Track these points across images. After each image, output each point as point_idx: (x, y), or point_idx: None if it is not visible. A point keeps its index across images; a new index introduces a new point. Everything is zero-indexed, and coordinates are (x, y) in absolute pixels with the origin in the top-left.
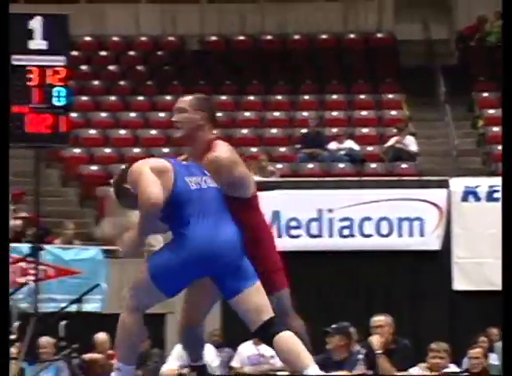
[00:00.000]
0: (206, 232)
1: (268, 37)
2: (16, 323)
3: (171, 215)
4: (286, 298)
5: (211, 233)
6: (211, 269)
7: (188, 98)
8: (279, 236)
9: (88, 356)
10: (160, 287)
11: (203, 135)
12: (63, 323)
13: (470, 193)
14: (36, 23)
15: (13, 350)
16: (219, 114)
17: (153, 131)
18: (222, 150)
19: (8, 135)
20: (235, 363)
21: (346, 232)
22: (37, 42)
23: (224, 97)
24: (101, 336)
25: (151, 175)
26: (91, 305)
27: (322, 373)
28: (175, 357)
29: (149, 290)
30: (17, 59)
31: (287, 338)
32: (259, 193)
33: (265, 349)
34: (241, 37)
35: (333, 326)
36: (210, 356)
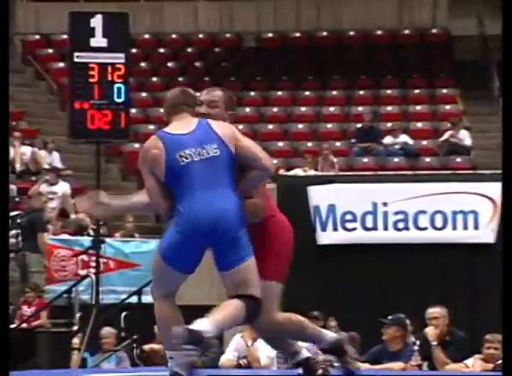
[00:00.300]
0: (200, 204)
1: (324, 33)
2: (78, 315)
3: (171, 193)
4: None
5: (206, 204)
6: (209, 240)
7: (220, 93)
8: (335, 229)
9: (148, 346)
10: (173, 266)
11: None
12: (124, 314)
13: None
14: (97, 22)
15: (75, 340)
16: (275, 109)
17: None
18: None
19: (8, 132)
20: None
21: (401, 225)
22: (98, 40)
23: (280, 93)
24: None
25: (152, 185)
26: (151, 297)
27: (205, 328)
28: (233, 348)
29: (166, 273)
30: (79, 57)
31: (230, 301)
32: (315, 187)
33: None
34: (297, 34)
35: (389, 317)
36: (268, 347)
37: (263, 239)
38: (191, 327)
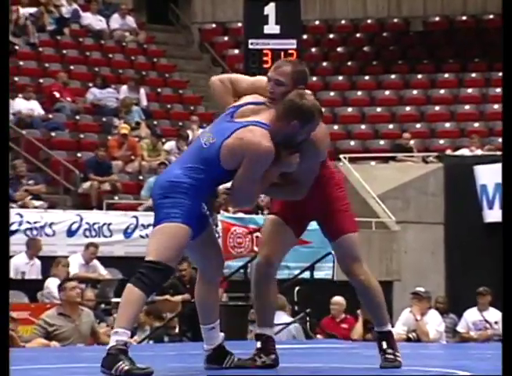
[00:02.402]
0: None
1: (490, 16)
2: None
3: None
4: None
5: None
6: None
7: (288, 70)
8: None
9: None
10: None
11: None
12: (297, 289)
13: None
14: (270, 9)
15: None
16: (442, 91)
17: (379, 109)
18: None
19: (8, 131)
20: (460, 328)
21: None
22: (271, 27)
23: (447, 75)
24: (336, 299)
25: None
26: (323, 273)
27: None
28: (402, 322)
29: None
30: (253, 43)
31: (126, 290)
32: (482, 166)
33: (490, 315)
34: (463, 18)
35: None
36: (437, 321)
37: (332, 193)
38: (108, 352)
